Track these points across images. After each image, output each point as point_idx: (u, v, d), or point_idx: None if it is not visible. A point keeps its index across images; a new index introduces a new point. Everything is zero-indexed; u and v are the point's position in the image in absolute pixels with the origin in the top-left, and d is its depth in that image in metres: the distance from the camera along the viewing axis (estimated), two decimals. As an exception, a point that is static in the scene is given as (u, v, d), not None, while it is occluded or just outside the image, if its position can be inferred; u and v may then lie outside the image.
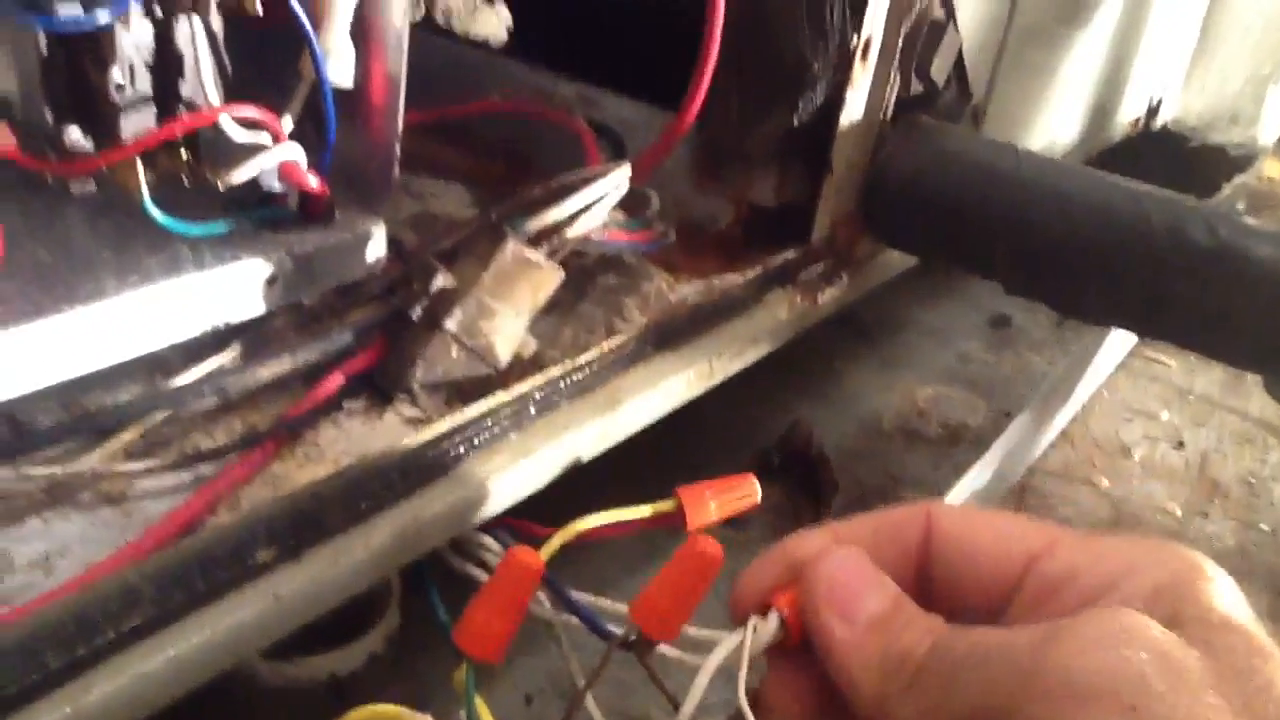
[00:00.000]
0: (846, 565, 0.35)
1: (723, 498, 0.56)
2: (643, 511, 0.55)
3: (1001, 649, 0.30)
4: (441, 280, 0.56)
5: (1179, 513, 1.08)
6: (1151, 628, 0.28)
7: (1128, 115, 1.37)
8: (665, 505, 0.55)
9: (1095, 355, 1.24)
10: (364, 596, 0.76)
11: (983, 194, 0.78)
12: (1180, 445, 1.19)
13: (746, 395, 1.05)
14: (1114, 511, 1.08)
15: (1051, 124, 1.13)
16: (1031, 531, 0.35)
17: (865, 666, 0.33)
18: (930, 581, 0.37)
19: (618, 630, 0.49)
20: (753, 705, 0.36)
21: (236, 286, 0.53)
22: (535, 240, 0.60)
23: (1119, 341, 1.29)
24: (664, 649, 0.42)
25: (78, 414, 0.49)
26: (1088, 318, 0.81)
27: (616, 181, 0.64)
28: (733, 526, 0.86)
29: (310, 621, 0.48)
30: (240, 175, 0.52)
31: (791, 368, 1.11)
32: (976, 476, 1.00)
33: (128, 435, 0.49)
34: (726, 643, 0.36)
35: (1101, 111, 1.27)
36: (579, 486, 0.60)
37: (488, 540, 0.54)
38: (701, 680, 0.36)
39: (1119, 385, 1.29)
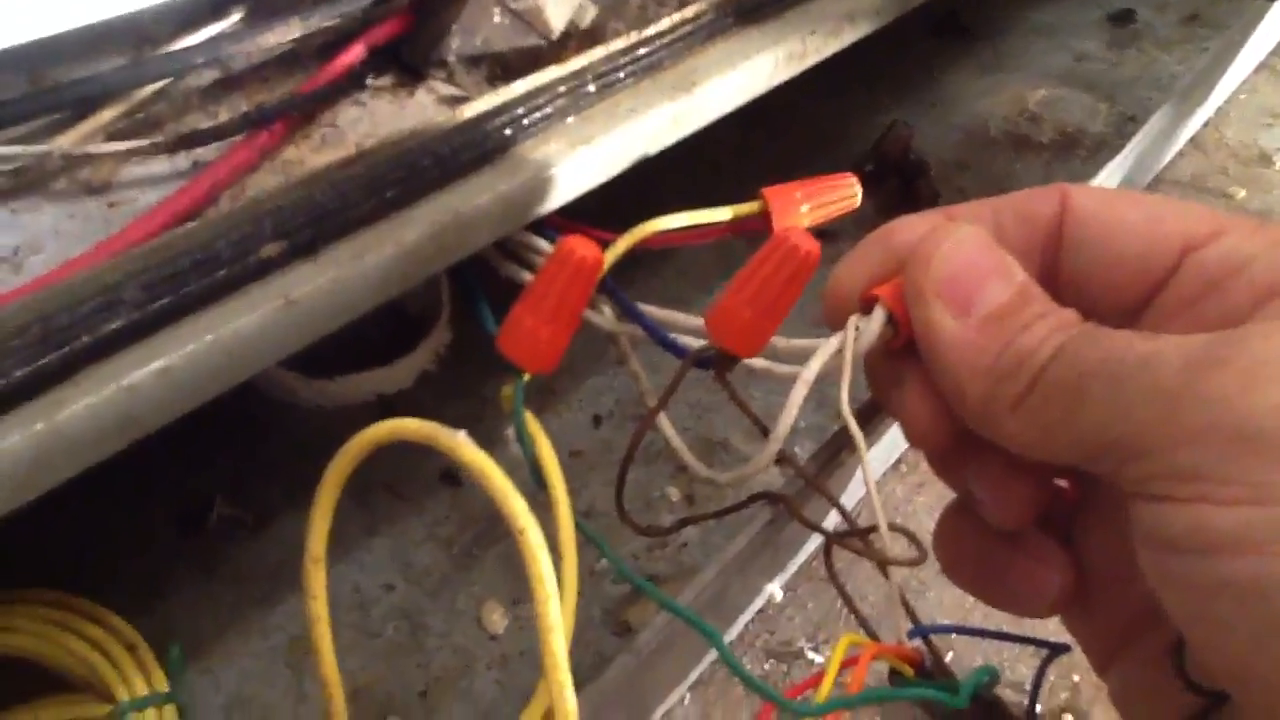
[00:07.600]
0: (964, 245, 0.27)
1: (817, 200, 0.48)
2: (722, 214, 0.47)
3: (1145, 364, 0.22)
4: (478, -75, 0.46)
5: (1322, 228, 0.97)
6: None
7: None
8: (749, 207, 0.47)
9: (1234, 52, 1.09)
10: (413, 310, 0.70)
11: None
12: (1328, 152, 1.06)
13: (838, 101, 0.94)
14: (1248, 227, 0.97)
15: None
16: (1193, 213, 0.27)
17: (974, 368, 0.26)
18: (1058, 275, 0.29)
19: (691, 345, 0.42)
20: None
21: (230, -66, 0.44)
22: (593, -120, 0.49)
23: (1262, 35, 1.14)
24: (749, 362, 0.35)
25: (46, 87, 0.41)
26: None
27: None
28: (820, 238, 0.78)
29: (340, 333, 0.41)
30: None
31: (887, 74, 1.00)
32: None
33: (109, 113, 0.41)
34: (826, 346, 0.30)
35: None
36: (650, 191, 0.52)
37: (541, 243, 0.47)
38: (798, 394, 0.30)
39: (1259, 86, 1.14)
